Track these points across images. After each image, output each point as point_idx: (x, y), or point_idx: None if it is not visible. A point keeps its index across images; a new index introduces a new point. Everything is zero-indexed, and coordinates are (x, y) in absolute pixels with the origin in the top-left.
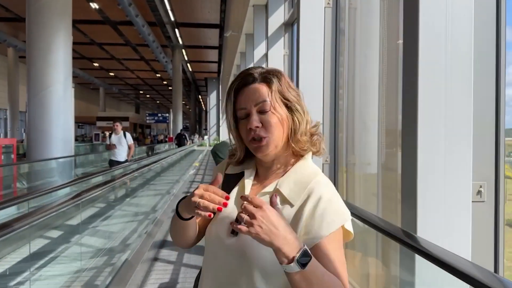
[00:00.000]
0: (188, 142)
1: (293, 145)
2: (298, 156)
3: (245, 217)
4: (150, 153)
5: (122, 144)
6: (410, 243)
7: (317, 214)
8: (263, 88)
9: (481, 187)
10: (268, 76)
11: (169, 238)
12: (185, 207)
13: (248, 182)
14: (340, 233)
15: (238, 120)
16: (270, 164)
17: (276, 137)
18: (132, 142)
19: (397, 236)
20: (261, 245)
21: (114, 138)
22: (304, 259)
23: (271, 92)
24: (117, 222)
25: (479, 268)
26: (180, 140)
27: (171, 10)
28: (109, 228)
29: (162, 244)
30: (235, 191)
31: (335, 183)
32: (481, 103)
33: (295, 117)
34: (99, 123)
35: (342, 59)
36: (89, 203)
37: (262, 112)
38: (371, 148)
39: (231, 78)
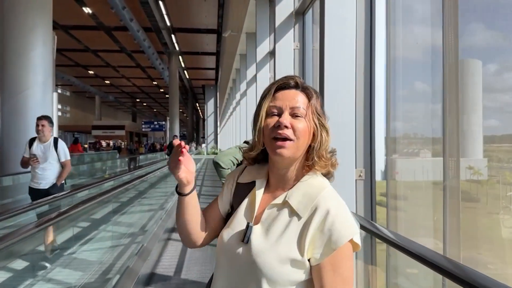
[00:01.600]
0: None
1: (316, 159)
2: (309, 169)
3: None
4: (132, 165)
5: (49, 160)
6: None
7: (326, 229)
8: (302, 96)
9: None
10: (309, 89)
11: (158, 272)
12: (172, 166)
13: (259, 194)
14: (349, 247)
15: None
16: (282, 174)
17: (300, 143)
18: (68, 158)
19: None
20: (271, 254)
21: (37, 147)
22: None
23: (309, 103)
24: (94, 248)
25: None
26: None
27: (167, 14)
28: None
29: (149, 281)
30: (245, 201)
31: (371, 205)
32: None
33: (323, 133)
34: (95, 132)
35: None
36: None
37: (294, 116)
38: (418, 160)
39: (230, 84)
